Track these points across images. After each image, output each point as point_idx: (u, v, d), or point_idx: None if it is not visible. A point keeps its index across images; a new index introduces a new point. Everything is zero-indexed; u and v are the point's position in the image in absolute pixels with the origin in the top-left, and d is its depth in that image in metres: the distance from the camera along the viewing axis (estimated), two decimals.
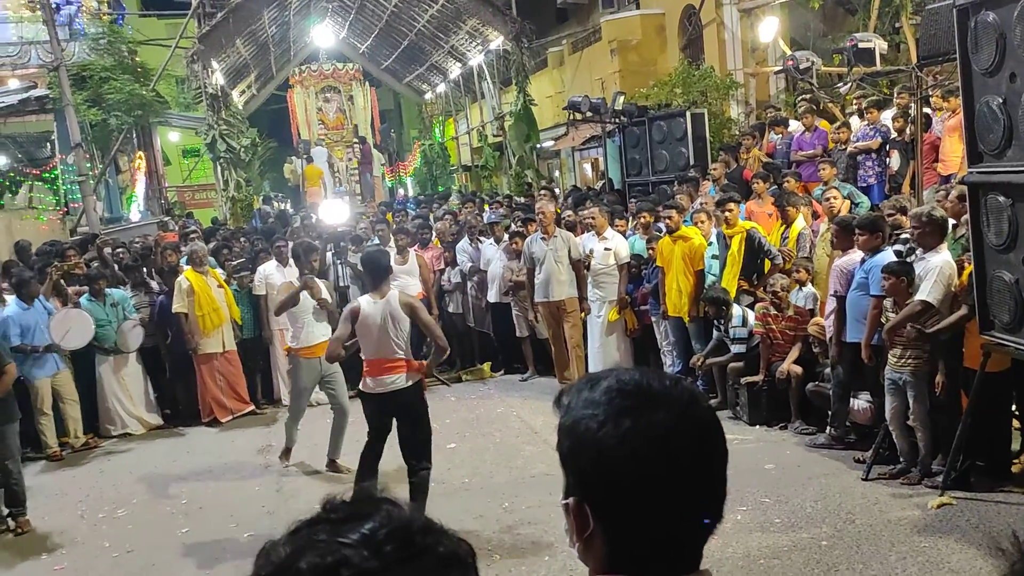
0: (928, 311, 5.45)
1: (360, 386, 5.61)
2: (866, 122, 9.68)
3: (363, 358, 5.52)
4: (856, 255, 6.17)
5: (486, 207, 12.98)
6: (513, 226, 10.18)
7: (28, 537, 6.26)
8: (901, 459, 5.83)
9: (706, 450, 1.12)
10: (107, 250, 10.72)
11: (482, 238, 10.35)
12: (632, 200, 11.31)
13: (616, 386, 1.13)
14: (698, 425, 1.12)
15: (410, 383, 5.46)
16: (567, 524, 1.15)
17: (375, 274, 5.53)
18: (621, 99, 12.24)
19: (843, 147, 9.75)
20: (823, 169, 8.75)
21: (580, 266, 8.77)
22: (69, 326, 8.29)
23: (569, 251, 8.71)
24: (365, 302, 5.44)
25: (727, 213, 7.75)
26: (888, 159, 9.35)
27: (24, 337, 7.98)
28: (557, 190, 16.28)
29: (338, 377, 7.24)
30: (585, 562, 1.16)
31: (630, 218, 9.77)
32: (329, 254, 10.20)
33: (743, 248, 7.64)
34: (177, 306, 8.83)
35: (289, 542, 0.84)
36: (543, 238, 8.80)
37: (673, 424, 1.09)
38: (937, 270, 5.43)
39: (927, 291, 5.42)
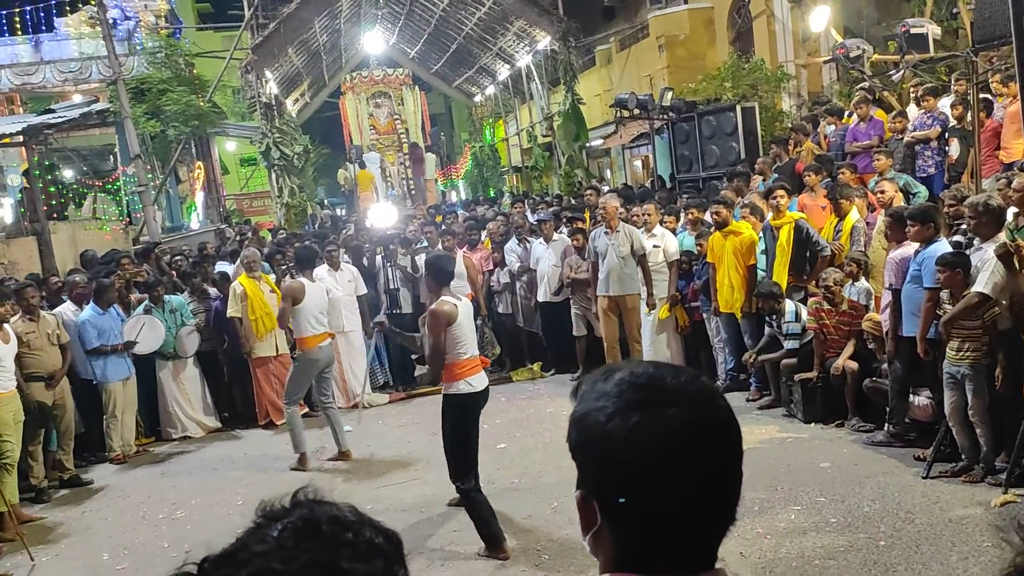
0: (985, 303, 5.27)
1: (459, 389, 5.21)
2: (923, 110, 9.41)
3: (457, 360, 5.17)
4: (910, 247, 5.99)
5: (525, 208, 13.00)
6: (562, 225, 10.17)
7: (91, 537, 6.45)
8: (963, 456, 5.64)
9: (719, 450, 1.08)
10: (166, 258, 11.06)
11: (530, 238, 10.34)
12: (683, 196, 11.20)
13: (628, 379, 1.09)
14: (712, 424, 1.08)
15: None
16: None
17: (441, 277, 5.35)
18: (669, 95, 12.12)
19: (900, 137, 9.50)
20: (878, 160, 8.54)
21: (645, 261, 8.69)
22: (140, 331, 8.60)
23: (632, 245, 8.63)
24: (459, 304, 5.24)
25: (776, 200, 7.61)
26: (948, 147, 9.07)
27: (101, 339, 8.37)
28: (606, 188, 16.19)
29: (330, 377, 7.80)
30: (595, 556, 1.14)
31: (681, 213, 9.66)
32: (379, 257, 10.34)
33: (792, 239, 7.50)
34: (231, 311, 9.03)
35: None
36: (606, 232, 8.75)
37: (685, 421, 1.05)
38: (994, 260, 5.24)
39: (983, 282, 5.24)
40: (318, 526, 0.88)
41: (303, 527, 0.87)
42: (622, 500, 1.06)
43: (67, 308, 8.72)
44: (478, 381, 5.25)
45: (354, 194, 21.85)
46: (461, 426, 5.23)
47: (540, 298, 9.99)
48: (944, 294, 5.61)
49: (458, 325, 5.15)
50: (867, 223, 7.55)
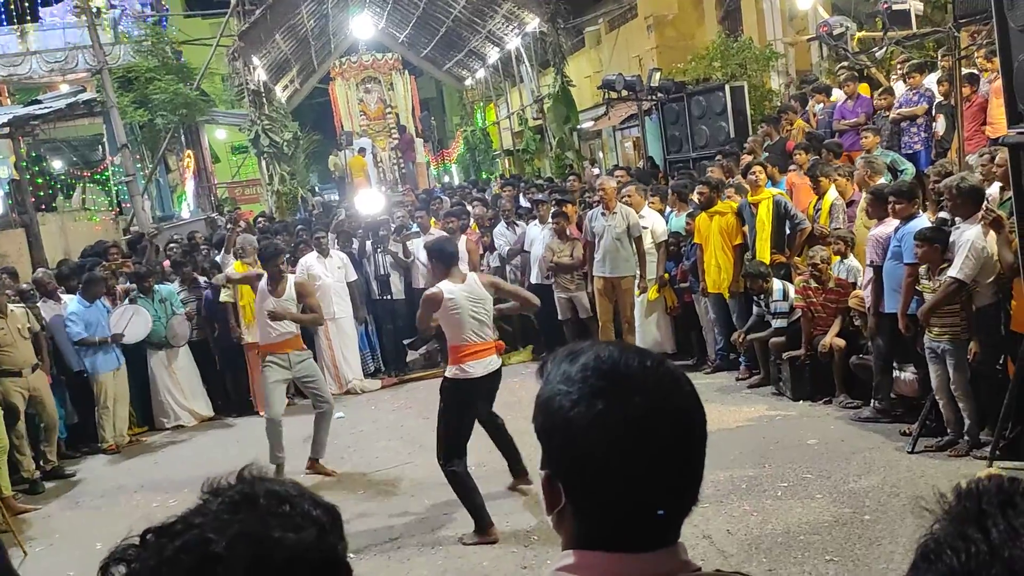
0: (962, 288, 5.30)
1: (454, 373, 5.26)
2: (908, 87, 9.42)
3: (457, 344, 5.24)
4: (891, 224, 6.02)
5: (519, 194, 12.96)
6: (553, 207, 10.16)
7: (84, 527, 6.49)
8: (948, 430, 5.69)
9: (682, 437, 1.09)
10: (157, 244, 11.03)
11: (519, 222, 10.35)
12: (673, 177, 11.20)
13: (593, 364, 1.10)
14: (676, 411, 1.09)
15: (500, 363, 5.47)
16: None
17: (445, 260, 5.34)
18: (657, 75, 12.09)
19: (886, 114, 9.51)
20: (865, 137, 8.55)
21: (641, 243, 8.70)
22: (128, 321, 8.61)
23: (628, 228, 8.63)
24: (447, 288, 5.20)
25: (753, 176, 7.65)
26: (934, 124, 9.09)
27: (88, 332, 8.35)
28: (596, 170, 16.18)
29: (318, 373, 7.11)
30: (558, 533, 1.16)
31: (669, 194, 9.67)
32: (368, 243, 10.34)
33: (772, 214, 7.55)
34: (223, 296, 9.08)
35: None
36: (604, 213, 8.74)
37: (649, 409, 1.06)
38: (968, 244, 5.25)
39: (958, 267, 5.27)
40: (255, 499, 0.91)
41: (240, 500, 0.91)
42: (591, 490, 1.09)
43: (49, 304, 8.69)
44: (478, 367, 5.18)
45: (345, 180, 21.78)
46: (453, 409, 5.25)
47: (532, 280, 9.98)
48: (922, 269, 5.64)
49: (457, 309, 5.11)
50: (853, 201, 7.57)
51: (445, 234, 8.66)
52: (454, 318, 5.16)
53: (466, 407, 5.31)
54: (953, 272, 5.30)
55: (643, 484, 1.06)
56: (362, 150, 21.23)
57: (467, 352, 5.20)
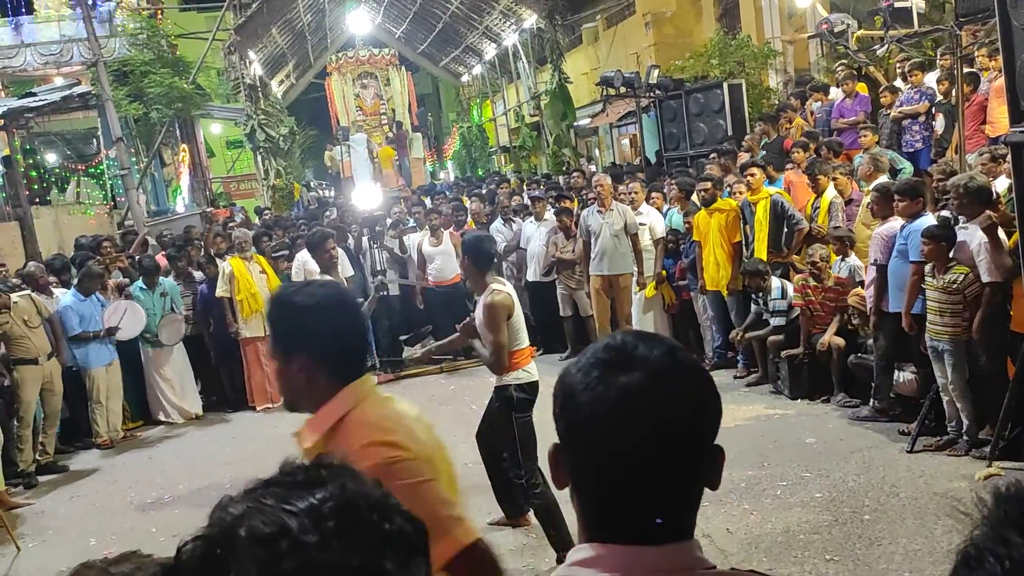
0: (1002, 288, 5.27)
1: (519, 377, 4.76)
2: (909, 85, 9.41)
3: (515, 349, 4.74)
4: (897, 222, 5.99)
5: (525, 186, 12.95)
6: (548, 204, 10.13)
7: (78, 523, 6.44)
8: (949, 430, 5.67)
9: (676, 421, 1.07)
10: (152, 240, 10.96)
11: (515, 218, 10.31)
12: (670, 174, 11.16)
13: (607, 342, 1.14)
14: (671, 394, 1.07)
15: None
16: None
17: (482, 262, 4.77)
18: (655, 72, 12.06)
19: (887, 112, 9.50)
20: (864, 135, 8.53)
21: (637, 240, 8.66)
22: (122, 316, 8.54)
23: (625, 225, 8.59)
24: (509, 288, 4.75)
25: (749, 178, 7.63)
26: (934, 122, 9.08)
27: (82, 326, 8.29)
28: (592, 167, 16.16)
29: None
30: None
31: (667, 191, 9.64)
32: (365, 238, 10.29)
33: (769, 213, 7.53)
34: (220, 291, 9.03)
35: (240, 501, 0.84)
36: (599, 211, 8.69)
37: (642, 387, 1.06)
38: (985, 245, 5.23)
39: (987, 270, 5.25)
40: (358, 512, 0.83)
41: (343, 512, 0.82)
42: (582, 463, 1.10)
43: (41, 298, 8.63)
44: (534, 370, 4.82)
45: (340, 176, 21.72)
46: (529, 415, 4.75)
47: (529, 277, 9.95)
48: (928, 267, 5.62)
49: (518, 313, 4.69)
50: (852, 199, 7.55)
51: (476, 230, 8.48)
52: (516, 322, 4.69)
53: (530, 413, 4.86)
54: (987, 277, 5.25)
55: (631, 462, 1.06)
56: (389, 140, 21.19)
57: (525, 355, 4.78)
